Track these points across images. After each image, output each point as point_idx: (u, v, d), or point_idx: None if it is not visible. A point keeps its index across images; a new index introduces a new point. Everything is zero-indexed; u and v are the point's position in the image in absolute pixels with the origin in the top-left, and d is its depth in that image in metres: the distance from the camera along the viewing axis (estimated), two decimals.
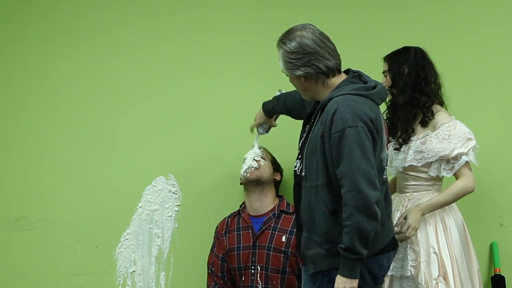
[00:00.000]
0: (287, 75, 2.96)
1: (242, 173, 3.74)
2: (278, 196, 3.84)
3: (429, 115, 3.40)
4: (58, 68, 4.11)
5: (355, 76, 2.96)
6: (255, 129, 3.69)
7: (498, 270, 3.79)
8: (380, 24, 3.99)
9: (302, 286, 3.08)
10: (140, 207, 4.02)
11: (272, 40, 3.97)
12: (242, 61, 4.06)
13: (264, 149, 3.84)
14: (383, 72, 3.48)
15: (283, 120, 3.65)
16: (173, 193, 4.02)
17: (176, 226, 4.02)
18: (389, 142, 3.37)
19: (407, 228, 3.32)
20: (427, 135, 3.40)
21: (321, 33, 2.90)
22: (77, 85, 4.10)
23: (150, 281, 4.00)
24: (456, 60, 3.89)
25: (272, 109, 3.55)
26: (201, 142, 4.03)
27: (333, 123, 2.77)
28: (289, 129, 3.53)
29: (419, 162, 3.41)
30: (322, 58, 2.86)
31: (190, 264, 3.98)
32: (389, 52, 3.49)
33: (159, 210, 4.02)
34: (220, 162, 4.00)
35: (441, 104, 3.47)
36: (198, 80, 4.06)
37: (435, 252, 3.36)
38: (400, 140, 3.45)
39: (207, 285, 3.82)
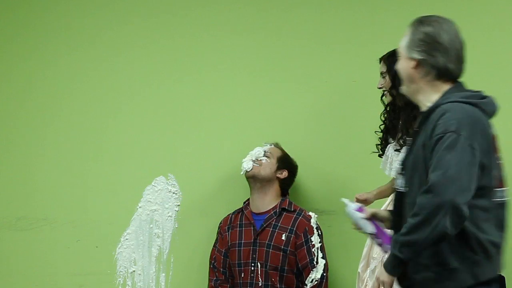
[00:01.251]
0: (399, 57, 2.72)
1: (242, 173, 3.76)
2: (284, 195, 3.82)
3: None
4: (58, 67, 4.10)
5: (461, 84, 2.71)
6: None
7: None
8: (378, 24, 3.97)
9: None
10: (140, 207, 4.02)
11: (273, 39, 4.03)
12: (243, 60, 4.05)
13: (276, 145, 3.83)
14: (381, 74, 3.46)
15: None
16: (173, 193, 4.02)
17: (176, 226, 4.02)
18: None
19: None
20: None
21: (459, 35, 2.68)
22: (77, 84, 4.09)
23: (150, 281, 3.99)
24: None
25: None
26: (201, 142, 4.03)
27: (435, 127, 2.48)
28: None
29: None
30: (446, 56, 2.62)
31: (190, 264, 3.98)
32: (386, 53, 3.47)
33: (159, 210, 4.02)
34: (220, 162, 4.00)
35: None
36: (198, 80, 4.06)
37: None
38: (401, 142, 3.42)
39: (209, 279, 3.82)
